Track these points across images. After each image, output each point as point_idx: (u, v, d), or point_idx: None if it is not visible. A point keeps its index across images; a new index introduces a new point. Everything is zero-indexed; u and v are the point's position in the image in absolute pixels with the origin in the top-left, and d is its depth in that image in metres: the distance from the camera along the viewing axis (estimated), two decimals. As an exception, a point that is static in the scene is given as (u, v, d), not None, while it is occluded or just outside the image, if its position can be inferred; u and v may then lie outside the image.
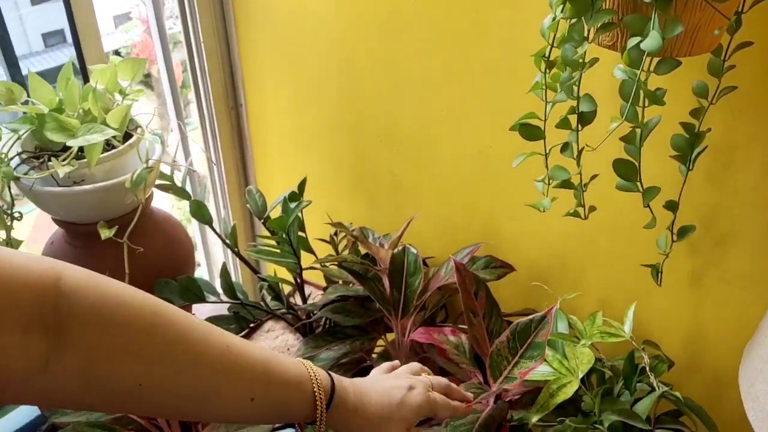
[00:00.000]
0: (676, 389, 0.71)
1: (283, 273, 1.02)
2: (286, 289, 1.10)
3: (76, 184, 0.81)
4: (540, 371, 0.69)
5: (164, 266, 0.91)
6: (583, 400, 0.71)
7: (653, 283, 0.83)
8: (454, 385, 0.63)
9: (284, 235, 0.79)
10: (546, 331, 0.70)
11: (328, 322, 1.06)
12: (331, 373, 0.53)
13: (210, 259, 1.26)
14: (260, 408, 0.47)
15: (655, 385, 0.70)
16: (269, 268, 1.24)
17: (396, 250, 0.86)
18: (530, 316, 0.73)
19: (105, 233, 0.79)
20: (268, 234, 0.95)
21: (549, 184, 0.65)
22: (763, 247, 0.72)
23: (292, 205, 0.81)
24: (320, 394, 0.50)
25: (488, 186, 0.93)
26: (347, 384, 0.53)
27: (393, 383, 0.57)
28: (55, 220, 0.88)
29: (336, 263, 0.80)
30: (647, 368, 0.71)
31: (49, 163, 0.80)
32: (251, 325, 0.96)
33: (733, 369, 0.80)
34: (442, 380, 0.62)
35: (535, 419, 0.63)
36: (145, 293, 0.43)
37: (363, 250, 1.01)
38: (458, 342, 0.79)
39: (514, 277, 0.90)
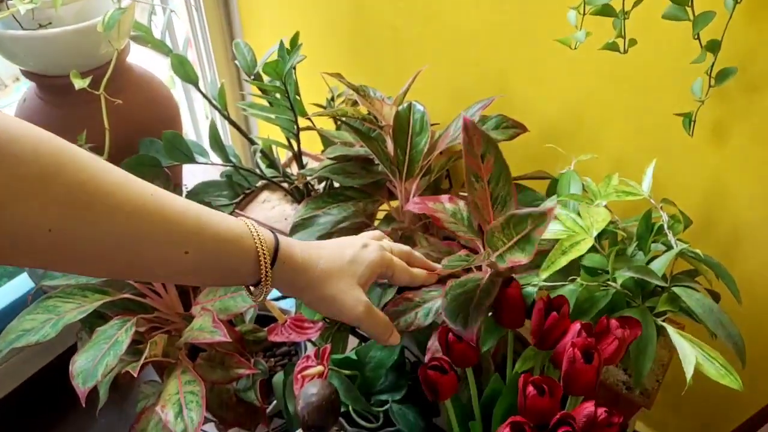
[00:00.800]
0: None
1: (277, 137, 0.95)
2: (282, 156, 1.04)
3: (42, 28, 0.72)
4: (551, 230, 0.65)
5: (148, 125, 0.85)
6: (592, 259, 0.68)
7: (673, 140, 0.78)
8: (417, 253, 0.61)
9: (280, 84, 0.71)
10: (542, 229, 0.65)
11: (327, 188, 1.01)
12: (275, 231, 0.49)
13: (196, 126, 1.18)
14: (197, 263, 0.43)
15: (673, 242, 0.66)
16: (261, 134, 1.17)
17: (401, 108, 0.79)
18: (527, 210, 0.66)
19: (78, 83, 0.72)
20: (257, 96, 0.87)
21: (584, 13, 0.57)
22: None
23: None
24: (263, 249, 0.46)
25: (503, 38, 0.85)
26: (294, 242, 0.51)
27: (347, 242, 0.55)
28: (25, 73, 0.80)
29: (336, 116, 0.73)
30: (665, 226, 0.68)
31: (10, 1, 0.71)
32: (246, 191, 0.91)
33: (752, 227, 0.78)
34: (404, 247, 0.60)
35: (544, 276, 0.60)
36: (51, 134, 0.37)
37: (363, 111, 0.94)
38: (455, 209, 0.74)
39: (527, 139, 0.84)
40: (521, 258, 0.58)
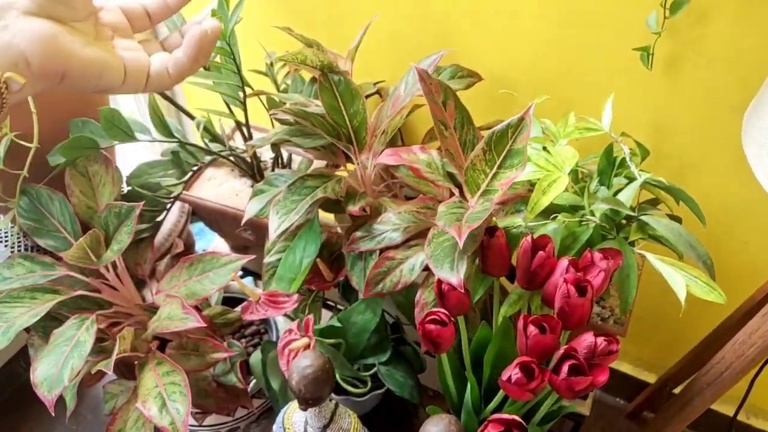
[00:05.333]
0: (649, 179, 0.70)
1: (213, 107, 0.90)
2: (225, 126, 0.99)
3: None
4: (525, 172, 0.65)
5: (74, 106, 0.77)
6: (563, 197, 0.69)
7: (625, 76, 0.80)
8: None
9: (224, 45, 0.66)
10: (525, 135, 0.65)
11: (277, 162, 0.97)
12: None
13: (116, 104, 1.09)
14: None
15: (636, 174, 0.68)
16: (189, 107, 1.10)
17: (321, 83, 0.73)
18: (506, 121, 0.67)
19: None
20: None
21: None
22: (740, 25, 0.69)
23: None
24: None
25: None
26: None
27: None
28: None
29: (294, 63, 0.67)
30: (627, 158, 0.69)
31: None
32: (193, 168, 0.85)
33: (701, 155, 0.81)
34: None
35: (531, 217, 0.60)
36: None
37: (307, 76, 0.90)
38: (429, 159, 0.74)
39: (480, 88, 0.83)
40: (515, 173, 0.58)
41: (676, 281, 0.56)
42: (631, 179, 0.70)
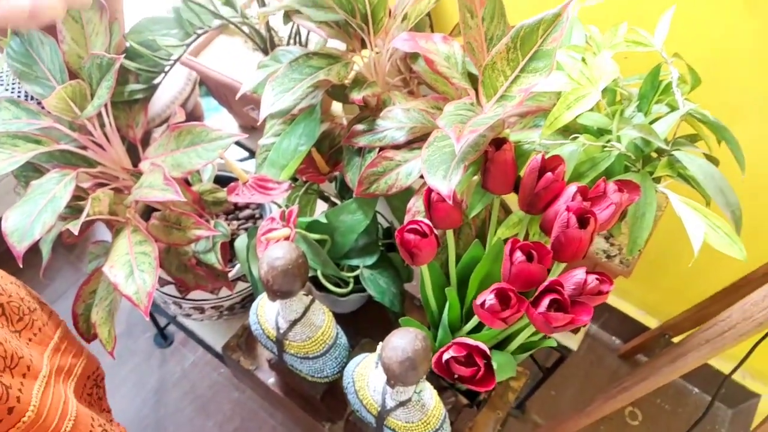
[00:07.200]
0: (693, 111, 0.62)
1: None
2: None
3: None
4: (553, 82, 0.58)
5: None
6: (592, 118, 0.61)
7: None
8: None
9: None
10: (558, 35, 0.55)
11: (296, 38, 0.89)
12: None
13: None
14: None
15: (680, 102, 0.60)
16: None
17: None
18: (539, 15, 0.57)
19: None
20: None
21: None
22: None
23: None
24: None
25: None
26: None
27: None
28: None
29: None
30: (674, 84, 0.61)
31: None
32: (198, 31, 0.78)
33: (759, 98, 0.72)
34: None
35: (547, 133, 0.54)
36: None
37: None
38: (450, 52, 0.65)
39: (523, -20, 0.73)
40: (537, 79, 0.50)
41: (695, 227, 0.50)
42: (673, 108, 0.62)
